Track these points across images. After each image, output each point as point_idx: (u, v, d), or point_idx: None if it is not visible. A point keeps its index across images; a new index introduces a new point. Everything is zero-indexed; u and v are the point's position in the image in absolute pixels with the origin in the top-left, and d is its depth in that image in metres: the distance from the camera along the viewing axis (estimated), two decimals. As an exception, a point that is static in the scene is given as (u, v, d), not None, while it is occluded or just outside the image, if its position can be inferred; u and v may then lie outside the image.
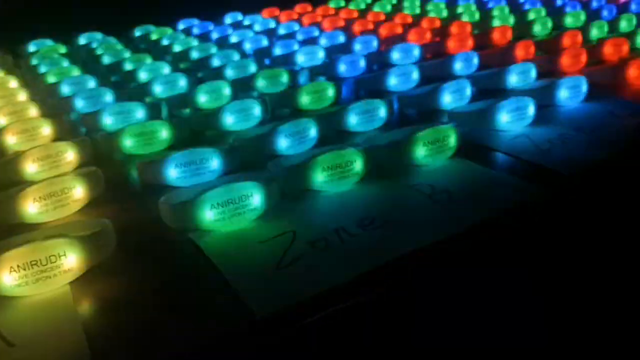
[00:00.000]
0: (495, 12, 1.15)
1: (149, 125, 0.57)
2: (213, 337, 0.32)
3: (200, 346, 0.31)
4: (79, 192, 0.46)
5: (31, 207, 0.44)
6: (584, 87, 0.64)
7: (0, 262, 0.34)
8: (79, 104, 0.70)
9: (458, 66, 0.77)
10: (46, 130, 0.61)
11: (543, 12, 1.12)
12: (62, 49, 1.06)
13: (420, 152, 0.49)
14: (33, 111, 0.68)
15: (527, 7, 1.19)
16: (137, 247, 0.41)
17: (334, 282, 0.35)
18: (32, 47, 1.09)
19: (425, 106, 0.65)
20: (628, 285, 0.45)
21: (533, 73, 0.71)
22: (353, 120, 0.59)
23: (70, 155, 0.53)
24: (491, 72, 0.72)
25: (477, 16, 1.13)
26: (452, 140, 0.51)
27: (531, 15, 1.10)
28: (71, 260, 0.36)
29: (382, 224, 0.41)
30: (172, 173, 0.48)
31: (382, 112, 0.60)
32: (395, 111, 0.66)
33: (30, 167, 0.52)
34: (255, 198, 0.42)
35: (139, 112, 0.64)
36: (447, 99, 0.63)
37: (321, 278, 0.35)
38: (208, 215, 0.40)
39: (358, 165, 0.47)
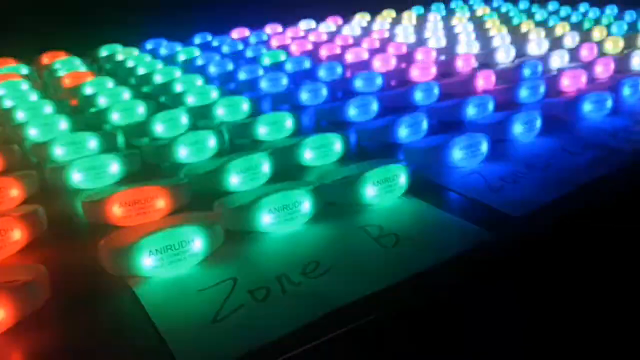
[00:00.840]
0: (462, 38, 1.16)
1: (98, 158, 0.56)
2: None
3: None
4: (17, 234, 0.44)
5: (-36, 251, 0.42)
6: (538, 123, 0.64)
7: None
8: (32, 132, 0.69)
9: (418, 96, 0.78)
10: (-7, 162, 0.59)
11: (507, 40, 1.13)
12: (24, 69, 1.04)
13: (370, 191, 0.49)
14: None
15: (492, 33, 1.21)
16: (73, 295, 0.40)
17: (267, 338, 0.34)
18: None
19: (382, 139, 0.65)
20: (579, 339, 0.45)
21: (490, 106, 0.72)
22: (308, 155, 0.59)
23: (14, 191, 0.52)
24: (449, 104, 0.73)
25: (442, 42, 1.15)
26: (402, 179, 0.51)
27: (496, 42, 1.11)
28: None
29: (326, 270, 0.41)
30: (117, 212, 0.47)
31: (338, 146, 0.60)
32: (352, 144, 0.65)
33: (-30, 204, 0.50)
34: (197, 243, 0.41)
35: (92, 142, 0.63)
36: (403, 133, 0.64)
37: (256, 334, 0.34)
38: (146, 261, 0.39)
39: (306, 206, 0.47)
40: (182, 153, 0.60)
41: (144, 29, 1.30)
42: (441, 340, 0.40)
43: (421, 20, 1.42)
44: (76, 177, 0.55)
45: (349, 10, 1.49)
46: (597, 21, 1.32)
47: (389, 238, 0.45)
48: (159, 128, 0.68)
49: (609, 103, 0.71)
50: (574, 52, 1.01)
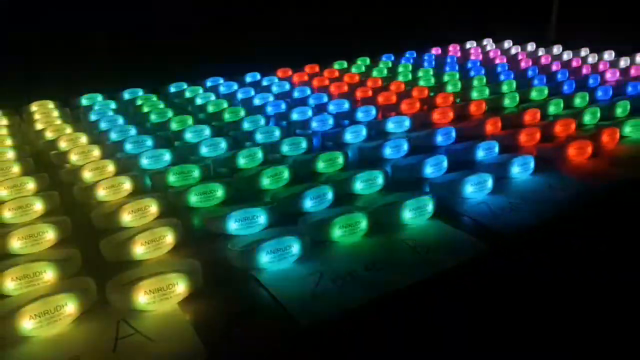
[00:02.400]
0: (475, 82, 1.37)
1: (209, 186, 0.78)
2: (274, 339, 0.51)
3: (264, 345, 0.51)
4: (170, 238, 0.66)
5: (139, 249, 0.63)
6: (532, 164, 0.85)
7: (136, 289, 0.54)
8: (144, 161, 0.91)
9: (439, 139, 0.99)
10: (127, 185, 0.81)
11: (514, 85, 1.34)
12: (112, 104, 1.27)
13: (407, 215, 0.70)
14: (110, 168, 0.87)
15: (502, 77, 1.42)
16: (216, 280, 0.61)
17: (351, 305, 0.55)
18: (84, 101, 1.30)
19: (413, 174, 0.85)
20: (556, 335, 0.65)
21: (496, 149, 0.92)
22: (359, 186, 0.80)
23: (153, 208, 0.73)
24: (464, 146, 0.93)
25: (459, 86, 1.36)
26: (430, 206, 0.71)
27: (504, 88, 1.32)
28: (181, 288, 0.55)
29: (381, 267, 0.61)
30: (232, 226, 0.68)
31: (380, 179, 0.81)
32: (389, 177, 0.86)
33: (126, 217, 0.71)
34: (295, 247, 0.62)
35: (195, 172, 0.85)
36: (429, 170, 0.84)
37: (343, 300, 0.55)
38: (264, 259, 0.60)
39: (363, 224, 0.68)
40: (266, 182, 0.82)
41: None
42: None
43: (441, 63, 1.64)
44: (193, 199, 0.77)
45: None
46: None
47: (421, 247, 0.66)
48: (242, 161, 0.90)
49: (589, 149, 0.91)
50: (569, 100, 1.21)
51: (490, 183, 0.78)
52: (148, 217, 0.73)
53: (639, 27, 1.87)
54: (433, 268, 0.61)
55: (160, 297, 0.54)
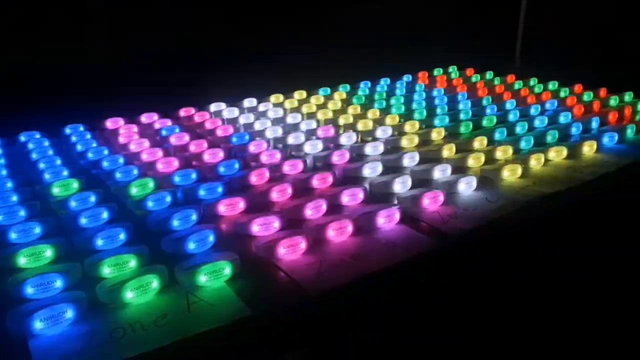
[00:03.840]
0: (438, 110, 1.65)
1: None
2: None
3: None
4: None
5: (190, 245, 0.89)
6: (474, 182, 1.13)
7: (196, 273, 0.79)
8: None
9: (406, 161, 1.26)
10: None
11: (469, 114, 1.63)
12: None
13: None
14: None
15: (460, 106, 1.71)
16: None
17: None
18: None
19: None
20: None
21: (449, 171, 1.20)
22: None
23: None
24: (424, 168, 1.21)
25: (424, 114, 1.64)
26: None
27: (461, 116, 1.61)
28: (228, 271, 0.81)
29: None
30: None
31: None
32: (369, 193, 1.13)
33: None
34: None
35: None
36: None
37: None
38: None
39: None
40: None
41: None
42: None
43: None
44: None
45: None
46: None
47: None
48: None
49: (519, 171, 1.20)
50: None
51: (442, 197, 1.06)
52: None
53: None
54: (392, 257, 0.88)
55: (214, 277, 0.80)
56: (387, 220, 0.97)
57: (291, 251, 0.86)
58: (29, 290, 0.75)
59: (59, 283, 0.77)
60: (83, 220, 0.97)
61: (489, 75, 2.14)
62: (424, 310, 0.87)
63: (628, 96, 1.81)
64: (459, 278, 0.93)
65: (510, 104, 1.73)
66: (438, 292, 0.91)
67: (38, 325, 0.67)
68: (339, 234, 0.91)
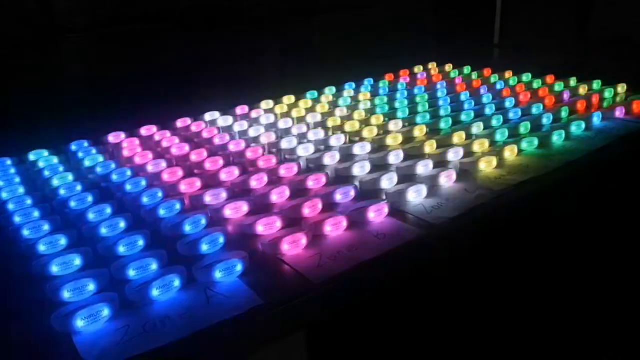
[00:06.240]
0: (419, 108, 1.77)
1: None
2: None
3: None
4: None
5: (203, 247, 1.00)
6: (454, 176, 1.24)
7: (211, 269, 0.90)
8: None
9: (391, 159, 1.38)
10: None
11: (449, 110, 1.75)
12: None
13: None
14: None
15: (440, 103, 1.82)
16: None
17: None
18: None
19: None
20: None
21: (431, 165, 1.31)
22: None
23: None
24: (409, 163, 1.32)
25: (407, 112, 1.75)
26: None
27: (441, 112, 1.72)
28: (239, 267, 0.92)
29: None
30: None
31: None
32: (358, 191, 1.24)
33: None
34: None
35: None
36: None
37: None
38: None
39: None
40: None
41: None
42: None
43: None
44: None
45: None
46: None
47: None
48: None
49: (494, 162, 1.31)
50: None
51: (425, 191, 1.17)
52: None
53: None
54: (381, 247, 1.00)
55: (228, 273, 0.91)
56: (377, 214, 1.08)
57: (294, 247, 0.98)
58: (66, 294, 0.83)
59: (91, 287, 0.85)
60: (103, 230, 1.07)
61: (466, 70, 2.26)
62: (414, 292, 0.99)
63: (596, 84, 1.94)
64: (443, 262, 1.05)
65: (486, 98, 1.84)
66: (425, 275, 1.02)
67: (80, 323, 0.76)
68: (335, 229, 1.02)
